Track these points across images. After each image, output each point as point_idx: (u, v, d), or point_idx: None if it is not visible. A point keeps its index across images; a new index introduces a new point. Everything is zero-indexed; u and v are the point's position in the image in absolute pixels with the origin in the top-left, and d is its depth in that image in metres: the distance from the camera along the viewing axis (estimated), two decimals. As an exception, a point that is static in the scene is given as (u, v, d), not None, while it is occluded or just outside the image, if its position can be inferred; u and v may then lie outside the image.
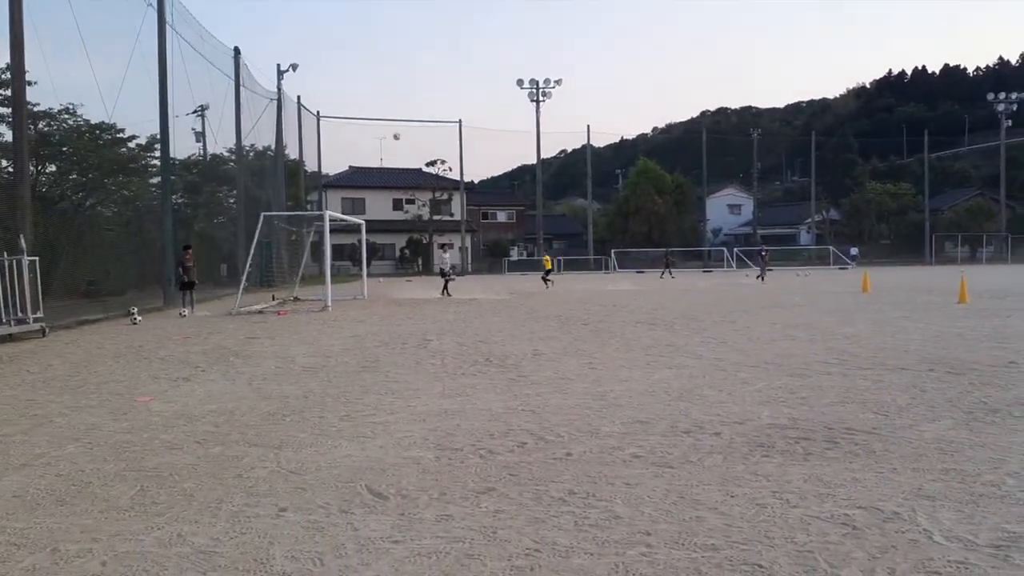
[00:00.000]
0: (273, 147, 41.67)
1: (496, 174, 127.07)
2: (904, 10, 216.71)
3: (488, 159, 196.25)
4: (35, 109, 23.09)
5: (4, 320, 14.46)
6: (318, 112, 57.52)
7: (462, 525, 4.15)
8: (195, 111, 32.21)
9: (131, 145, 28.86)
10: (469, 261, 65.30)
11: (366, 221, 33.49)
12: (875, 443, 5.76)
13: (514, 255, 71.04)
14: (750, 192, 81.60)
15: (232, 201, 36.63)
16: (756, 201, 79.24)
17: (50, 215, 23.49)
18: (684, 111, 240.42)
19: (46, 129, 26.13)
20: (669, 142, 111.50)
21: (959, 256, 63.84)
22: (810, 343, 11.89)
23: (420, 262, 63.98)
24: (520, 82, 64.22)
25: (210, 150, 35.40)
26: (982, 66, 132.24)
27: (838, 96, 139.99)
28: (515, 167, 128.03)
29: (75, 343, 14.04)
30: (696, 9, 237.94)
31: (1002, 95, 68.47)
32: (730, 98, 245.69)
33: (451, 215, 65.80)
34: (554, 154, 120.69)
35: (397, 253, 66.43)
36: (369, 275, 32.89)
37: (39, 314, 15.35)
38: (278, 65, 51.07)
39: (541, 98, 64.53)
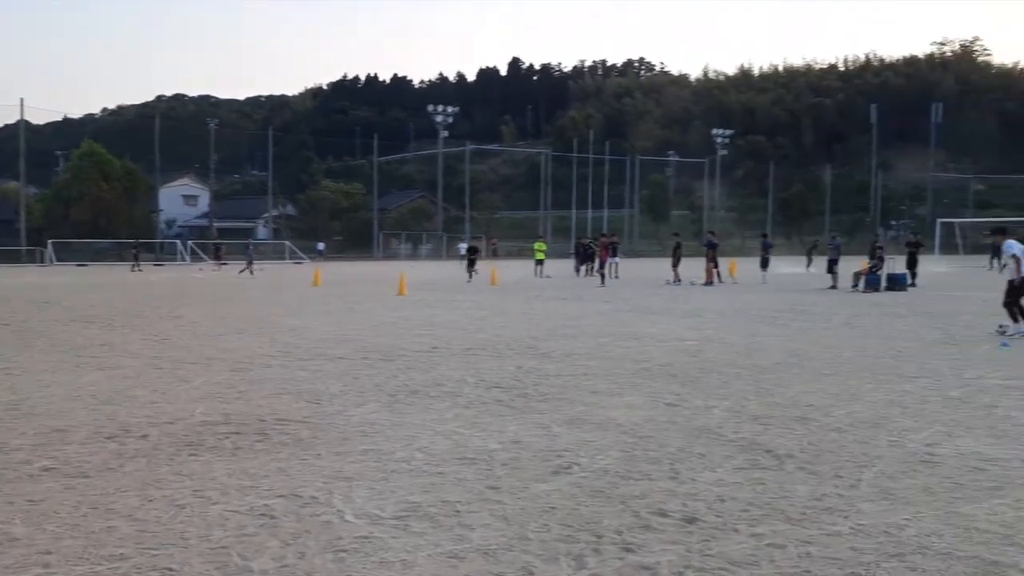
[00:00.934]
0: None
1: None
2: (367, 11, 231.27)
3: None
4: None
5: None
6: None
7: None
8: None
9: None
10: None
11: None
12: (304, 431, 6.01)
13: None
14: (207, 183, 79.75)
15: None
16: (213, 193, 77.74)
17: None
18: (138, 94, 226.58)
19: None
20: (120, 124, 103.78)
21: (403, 252, 70.38)
22: (257, 336, 12.02)
23: None
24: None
25: None
26: (425, 79, 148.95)
27: (297, 94, 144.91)
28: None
29: None
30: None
31: (440, 107, 77.15)
32: (188, 85, 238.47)
33: None
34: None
35: None
36: None
37: None
38: None
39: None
